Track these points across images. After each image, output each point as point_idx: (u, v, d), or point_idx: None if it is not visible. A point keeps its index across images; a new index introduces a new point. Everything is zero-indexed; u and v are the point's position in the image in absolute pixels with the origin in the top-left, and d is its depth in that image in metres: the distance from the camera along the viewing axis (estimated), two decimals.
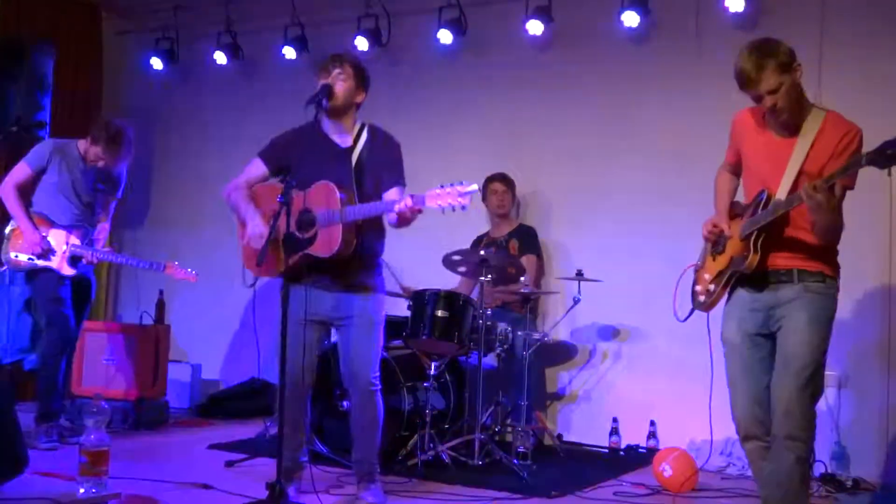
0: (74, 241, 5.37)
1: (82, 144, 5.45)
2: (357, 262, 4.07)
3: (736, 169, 3.83)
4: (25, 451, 3.59)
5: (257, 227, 4.07)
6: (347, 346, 4.12)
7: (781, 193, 3.45)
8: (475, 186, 3.69)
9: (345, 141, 4.18)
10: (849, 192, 3.44)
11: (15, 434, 3.54)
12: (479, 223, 6.28)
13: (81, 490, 3.47)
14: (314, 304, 4.03)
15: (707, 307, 3.73)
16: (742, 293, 3.61)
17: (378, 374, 4.15)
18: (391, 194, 4.06)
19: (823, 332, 3.45)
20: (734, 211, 3.77)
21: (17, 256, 5.31)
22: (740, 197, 3.83)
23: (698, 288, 3.79)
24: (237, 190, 4.27)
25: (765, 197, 3.51)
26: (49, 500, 3.35)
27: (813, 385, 3.40)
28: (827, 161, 3.39)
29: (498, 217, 6.15)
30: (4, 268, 5.40)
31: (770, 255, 3.50)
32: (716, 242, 3.73)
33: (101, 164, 5.41)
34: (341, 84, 4.12)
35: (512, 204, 6.15)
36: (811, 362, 3.39)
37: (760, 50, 3.39)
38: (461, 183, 3.68)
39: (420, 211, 3.79)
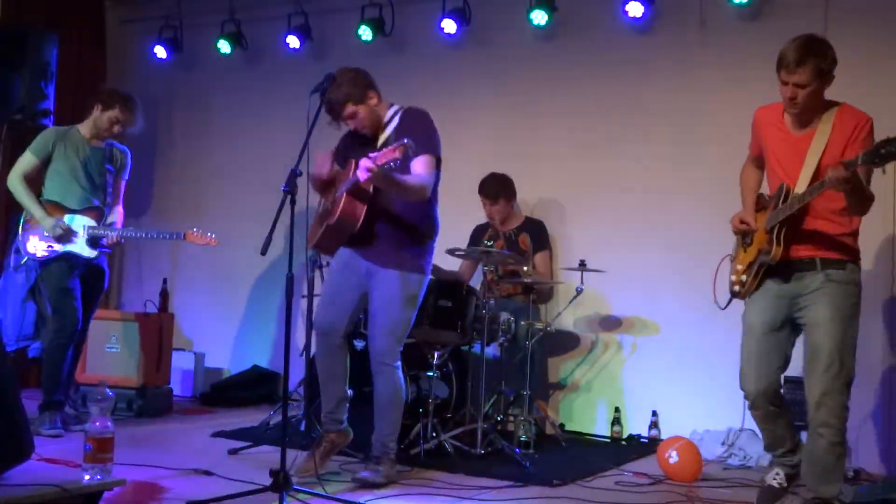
0: (90, 222, 5.34)
1: (86, 126, 5.44)
2: (380, 238, 4.31)
3: (760, 162, 4.09)
4: (31, 438, 3.57)
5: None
6: (370, 318, 4.38)
7: (801, 186, 3.72)
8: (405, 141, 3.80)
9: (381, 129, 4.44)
10: None
11: (20, 420, 3.52)
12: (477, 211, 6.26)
13: (87, 476, 3.48)
14: (354, 260, 4.39)
15: (743, 296, 3.98)
16: (769, 283, 3.87)
17: (393, 347, 4.32)
18: (415, 165, 4.22)
19: (847, 324, 3.73)
20: (760, 204, 4.01)
21: (36, 246, 5.28)
22: (765, 189, 4.04)
23: (733, 278, 4.04)
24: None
25: (784, 191, 3.77)
26: (54, 486, 3.34)
27: (843, 375, 3.69)
28: (843, 150, 3.67)
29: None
30: (25, 259, 5.33)
31: (793, 245, 3.77)
32: (745, 235, 3.99)
33: (117, 128, 5.41)
34: (361, 119, 4.35)
35: (507, 207, 5.99)
36: (838, 356, 3.67)
37: (809, 46, 3.66)
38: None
39: (377, 168, 3.83)
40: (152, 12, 7.69)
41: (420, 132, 4.25)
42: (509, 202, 6.01)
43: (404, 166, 4.04)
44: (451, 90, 6.69)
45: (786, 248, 3.77)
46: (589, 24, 6.26)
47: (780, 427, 4.02)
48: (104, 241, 5.42)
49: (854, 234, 3.83)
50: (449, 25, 6.43)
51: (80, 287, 5.37)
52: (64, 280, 5.28)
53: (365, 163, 3.83)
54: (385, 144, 4.27)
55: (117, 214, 5.56)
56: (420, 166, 4.21)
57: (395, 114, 4.41)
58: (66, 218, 5.30)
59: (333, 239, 4.39)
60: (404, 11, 6.71)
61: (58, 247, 5.27)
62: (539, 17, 6.11)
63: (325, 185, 4.50)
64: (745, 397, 3.99)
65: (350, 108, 4.30)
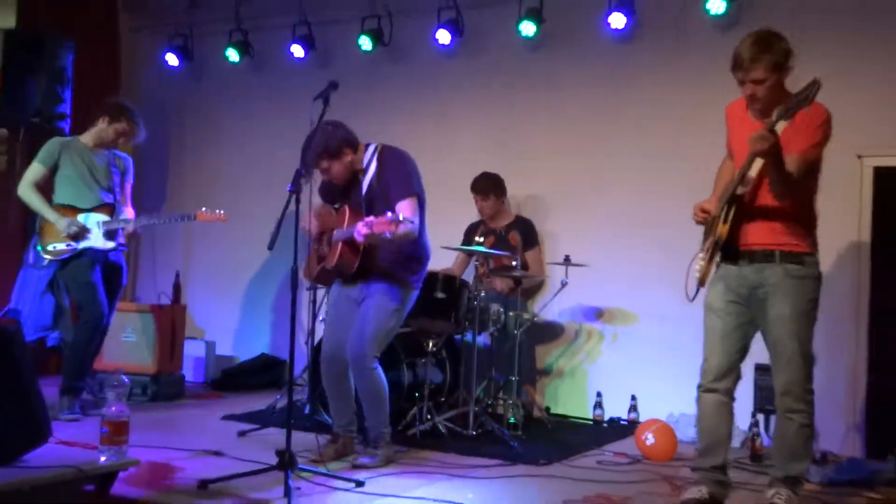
0: (104, 218, 5.45)
1: (89, 135, 5.56)
2: (373, 270, 4.50)
3: None
4: (48, 422, 3.64)
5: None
6: (357, 324, 4.53)
7: (754, 172, 3.66)
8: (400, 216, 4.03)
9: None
10: (822, 179, 3.78)
11: (38, 406, 3.59)
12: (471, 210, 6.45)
13: (103, 458, 3.62)
14: (349, 287, 4.61)
15: (703, 282, 3.84)
16: (730, 267, 3.82)
17: (370, 352, 4.46)
18: (399, 208, 4.38)
19: (805, 319, 3.72)
20: None
21: (54, 247, 5.39)
22: None
23: (695, 266, 3.88)
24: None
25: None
26: (72, 467, 3.44)
27: (805, 366, 3.71)
28: (795, 138, 3.60)
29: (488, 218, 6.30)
30: (46, 261, 5.44)
31: (748, 227, 3.73)
32: (705, 223, 3.88)
33: (122, 140, 5.57)
34: (334, 173, 4.54)
35: (497, 203, 6.21)
36: (798, 351, 3.69)
37: (761, 42, 3.59)
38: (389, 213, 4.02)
39: (371, 233, 4.07)
40: (163, 21, 7.86)
41: (399, 176, 4.48)
42: (499, 199, 6.20)
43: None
44: (446, 96, 6.90)
45: (742, 232, 3.73)
46: (574, 35, 6.44)
47: (724, 427, 3.87)
48: (120, 234, 5.54)
49: (812, 226, 3.78)
50: (443, 36, 6.62)
51: (103, 281, 5.47)
52: (86, 275, 5.38)
53: (362, 229, 4.07)
54: (370, 188, 4.52)
55: (129, 214, 5.65)
56: (404, 210, 4.36)
57: (373, 154, 4.57)
58: (80, 217, 5.42)
59: (331, 277, 4.69)
60: (402, 23, 6.92)
61: (77, 245, 5.39)
62: (527, 28, 6.31)
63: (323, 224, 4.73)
64: (702, 383, 3.86)
65: (324, 163, 4.48)
